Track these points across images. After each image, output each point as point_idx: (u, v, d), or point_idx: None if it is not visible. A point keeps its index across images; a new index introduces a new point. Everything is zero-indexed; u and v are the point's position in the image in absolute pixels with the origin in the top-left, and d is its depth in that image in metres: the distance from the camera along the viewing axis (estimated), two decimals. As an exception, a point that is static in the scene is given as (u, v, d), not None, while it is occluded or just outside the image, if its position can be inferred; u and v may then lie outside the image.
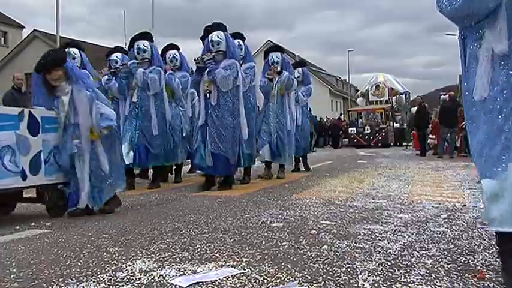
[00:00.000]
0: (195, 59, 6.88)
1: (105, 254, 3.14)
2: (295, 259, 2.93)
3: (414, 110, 27.20)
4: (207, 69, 6.67)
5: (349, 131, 28.44)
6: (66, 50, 7.09)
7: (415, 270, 2.66)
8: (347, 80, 59.71)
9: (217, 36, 6.77)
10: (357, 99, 37.17)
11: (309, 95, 10.09)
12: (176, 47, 8.90)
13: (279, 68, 8.56)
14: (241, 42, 7.69)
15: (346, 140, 29.14)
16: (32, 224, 4.43)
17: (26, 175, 4.46)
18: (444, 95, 16.95)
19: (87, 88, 4.88)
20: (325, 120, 32.61)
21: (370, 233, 3.68)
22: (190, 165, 9.61)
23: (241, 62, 7.44)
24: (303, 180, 8.14)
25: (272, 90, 8.52)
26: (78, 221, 4.48)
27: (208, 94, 6.76)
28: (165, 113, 7.43)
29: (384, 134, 27.19)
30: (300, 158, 10.32)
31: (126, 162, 6.66)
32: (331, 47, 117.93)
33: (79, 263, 2.93)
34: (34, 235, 3.90)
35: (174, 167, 8.87)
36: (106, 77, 7.91)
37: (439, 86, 64.50)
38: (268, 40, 54.84)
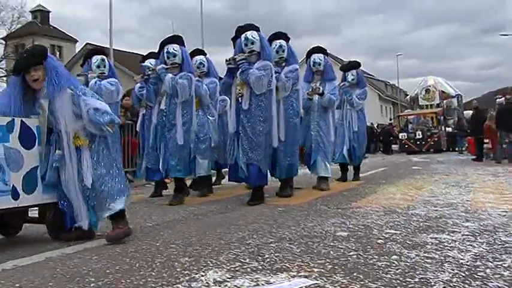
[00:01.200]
0: (226, 60, 6.46)
1: (176, 264, 3.21)
2: (366, 269, 2.92)
3: (467, 113, 26.68)
4: (240, 70, 6.23)
5: (400, 137, 27.94)
6: (94, 57, 7.17)
7: (492, 282, 2.62)
8: (396, 85, 58.89)
9: (252, 36, 6.32)
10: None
11: (365, 98, 9.51)
12: (203, 52, 8.33)
13: (321, 90, 7.84)
14: (283, 43, 7.13)
15: (397, 145, 28.68)
16: (99, 233, 4.54)
17: (18, 194, 3.91)
18: (500, 98, 16.46)
19: (69, 86, 4.10)
20: (376, 126, 32.22)
21: (438, 242, 3.64)
22: (215, 176, 9.31)
23: (283, 64, 7.02)
24: (360, 188, 8.07)
25: (313, 108, 7.94)
26: (144, 232, 4.57)
27: (240, 98, 6.36)
28: (192, 122, 6.84)
29: (436, 139, 26.61)
30: (352, 167, 9.75)
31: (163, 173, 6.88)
32: (380, 51, 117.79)
33: (153, 273, 3.00)
34: (105, 244, 4.00)
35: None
36: (139, 84, 7.59)
37: (491, 89, 62.64)
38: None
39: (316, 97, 7.87)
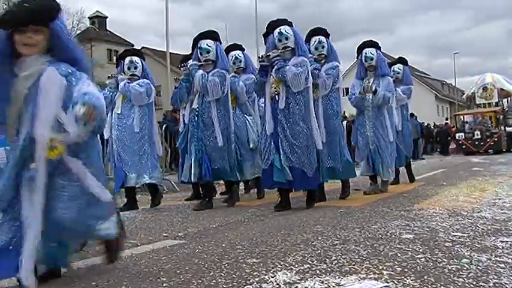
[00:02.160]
0: (258, 57, 6.16)
1: (244, 265, 3.25)
2: (436, 273, 2.89)
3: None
4: (275, 67, 5.83)
5: (457, 137, 27.21)
6: (128, 58, 6.90)
7: None
8: (453, 84, 57.62)
9: (285, 31, 5.95)
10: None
11: (409, 95, 9.02)
12: (240, 47, 7.82)
13: (373, 88, 7.32)
14: (322, 39, 6.82)
15: (453, 146, 27.99)
16: (165, 234, 4.65)
17: None
18: None
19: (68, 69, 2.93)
20: (432, 126, 31.58)
21: (509, 246, 3.55)
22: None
23: (323, 61, 6.74)
24: (420, 190, 7.94)
25: (367, 107, 7.52)
26: (208, 233, 4.65)
27: (276, 96, 5.93)
28: (230, 122, 6.64)
29: (495, 139, 25.78)
30: (404, 168, 9.42)
31: (193, 180, 6.50)
32: (436, 49, 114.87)
33: (222, 274, 3.05)
34: (171, 245, 4.09)
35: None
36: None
37: (554, 87, 60.06)
38: (371, 47, 54.18)
39: (369, 96, 7.41)
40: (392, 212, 5.49)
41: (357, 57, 7.87)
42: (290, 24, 6.08)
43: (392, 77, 8.22)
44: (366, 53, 7.56)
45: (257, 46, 22.13)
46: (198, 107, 6.41)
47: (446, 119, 34.91)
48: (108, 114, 6.70)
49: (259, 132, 6.70)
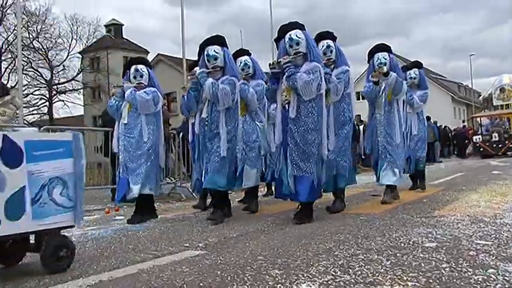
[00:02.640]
0: (269, 64, 5.86)
1: (267, 277, 3.24)
2: (462, 283, 2.86)
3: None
4: (285, 74, 5.57)
5: (474, 139, 26.91)
6: (133, 67, 6.60)
7: None
8: (470, 86, 57.17)
9: (296, 35, 5.68)
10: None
11: (425, 101, 8.59)
12: (247, 52, 7.47)
13: (385, 69, 6.97)
14: (330, 43, 6.55)
15: (470, 148, 27.69)
16: (186, 245, 4.64)
17: None
18: None
19: None
20: (450, 128, 31.31)
21: (535, 254, 3.50)
22: (266, 188, 9.00)
23: (332, 66, 6.47)
24: (440, 195, 7.88)
25: (378, 98, 7.17)
26: (229, 242, 4.64)
27: (287, 105, 5.70)
28: (237, 131, 6.32)
29: (514, 141, 25.50)
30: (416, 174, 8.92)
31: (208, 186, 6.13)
32: (452, 51, 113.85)
33: (246, 286, 3.04)
34: (193, 256, 4.08)
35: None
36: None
37: None
38: (385, 49, 53.93)
39: (382, 80, 6.99)
40: (413, 219, 5.45)
41: (368, 62, 7.45)
42: (302, 28, 5.81)
43: (407, 83, 8.05)
44: (378, 58, 7.19)
45: (272, 51, 22.13)
46: (207, 117, 6.14)
47: (464, 121, 34.54)
48: (115, 125, 6.73)
49: (271, 140, 6.47)
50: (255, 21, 78.02)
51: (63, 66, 42.37)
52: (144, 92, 6.47)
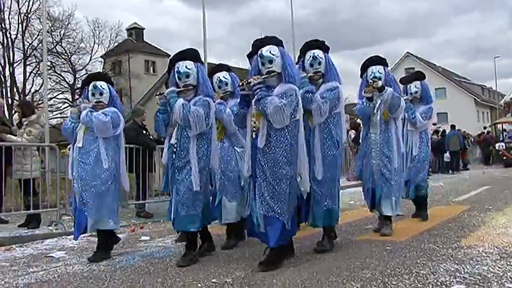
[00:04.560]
0: (238, 85, 5.26)
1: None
2: None
3: None
4: (255, 98, 4.86)
5: (497, 147, 26.47)
6: (92, 83, 5.87)
7: None
8: (493, 88, 56.55)
9: (270, 52, 4.97)
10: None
11: (430, 117, 7.67)
12: (225, 67, 6.54)
13: (380, 83, 6.21)
14: (319, 54, 5.73)
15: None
16: (214, 280, 4.67)
17: None
18: None
19: None
20: (473, 135, 30.95)
21: None
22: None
23: (320, 80, 5.72)
24: (465, 217, 7.80)
25: (372, 116, 6.45)
26: (257, 277, 4.62)
27: (254, 133, 5.01)
28: (210, 159, 5.54)
29: (540, 149, 25.06)
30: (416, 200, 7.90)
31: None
32: (475, 52, 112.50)
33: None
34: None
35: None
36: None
37: None
38: (407, 53, 53.73)
39: (376, 101, 6.32)
40: (439, 250, 5.40)
41: (361, 76, 6.69)
42: (278, 44, 5.11)
43: (409, 98, 7.54)
44: (372, 72, 6.44)
45: (294, 53, 21.96)
46: (176, 143, 5.42)
47: (485, 128, 34.03)
48: (70, 150, 6.08)
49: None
50: (276, 22, 77.65)
51: (86, 70, 42.77)
52: (102, 113, 5.78)
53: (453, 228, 6.78)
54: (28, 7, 37.68)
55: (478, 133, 32.05)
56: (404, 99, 7.30)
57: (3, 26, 37.65)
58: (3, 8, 37.43)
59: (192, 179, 5.28)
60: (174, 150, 5.41)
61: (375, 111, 6.40)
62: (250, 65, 5.40)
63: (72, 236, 6.32)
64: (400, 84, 7.76)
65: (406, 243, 5.83)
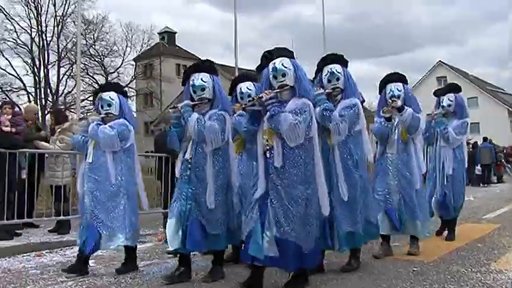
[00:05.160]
0: (248, 101, 5.04)
1: None
2: None
3: None
4: (267, 114, 4.59)
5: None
6: (100, 94, 5.77)
7: None
8: (528, 98, 55.53)
9: (282, 65, 4.70)
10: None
11: (465, 132, 7.30)
12: (252, 77, 6.14)
13: (399, 103, 6.03)
14: (337, 68, 5.50)
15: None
16: None
17: None
18: None
19: None
20: (506, 146, 30.39)
21: None
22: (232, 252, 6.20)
23: (338, 96, 5.50)
24: (495, 237, 7.68)
25: (391, 135, 6.22)
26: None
27: (268, 152, 4.69)
28: (230, 175, 5.32)
29: None
30: (444, 222, 7.69)
31: (172, 247, 5.11)
32: (508, 61, 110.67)
33: None
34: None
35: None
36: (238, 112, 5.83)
37: None
38: (439, 61, 53.06)
39: (394, 125, 6.17)
40: (468, 273, 5.33)
41: (379, 93, 6.46)
42: (290, 56, 4.84)
43: (443, 111, 7.30)
44: (391, 89, 6.23)
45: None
46: (190, 158, 5.21)
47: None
48: (82, 164, 5.92)
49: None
50: (307, 27, 77.86)
51: (118, 73, 43.46)
52: (109, 125, 5.62)
53: (482, 250, 6.68)
54: (64, 10, 38.49)
55: (510, 145, 31.57)
56: (436, 113, 7.29)
57: (40, 28, 38.49)
58: (41, 11, 38.31)
59: (208, 197, 5.07)
60: (189, 166, 5.20)
61: (393, 130, 6.21)
62: (259, 80, 5.11)
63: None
64: (433, 95, 7.73)
65: (434, 265, 5.76)
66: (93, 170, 5.59)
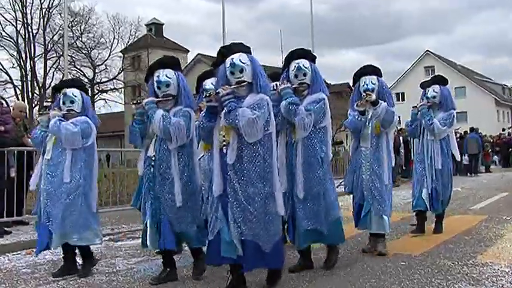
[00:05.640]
0: (204, 96, 4.82)
1: None
2: None
3: None
4: (224, 110, 4.48)
5: (514, 149, 26.24)
6: (63, 91, 5.57)
7: None
8: (514, 87, 56.01)
9: (239, 60, 4.59)
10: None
11: (450, 124, 7.24)
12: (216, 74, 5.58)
13: (373, 97, 5.95)
14: (304, 63, 5.37)
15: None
16: None
17: None
18: None
19: None
20: (493, 137, 30.61)
21: None
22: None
23: (305, 92, 5.37)
24: (482, 229, 7.78)
25: (364, 129, 6.14)
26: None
27: (225, 148, 4.55)
28: (195, 173, 5.22)
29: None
30: (434, 215, 7.60)
31: (154, 249, 5.24)
32: (495, 49, 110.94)
33: None
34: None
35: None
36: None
37: None
38: (427, 51, 53.28)
39: (369, 109, 6.05)
40: (455, 266, 5.42)
41: (353, 85, 6.42)
42: (247, 51, 4.73)
43: (427, 103, 7.26)
44: (365, 82, 6.13)
45: (313, 48, 21.77)
46: (154, 155, 5.11)
47: (503, 130, 33.56)
48: (39, 160, 5.76)
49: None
50: (294, 17, 77.65)
51: (105, 65, 43.23)
52: (72, 122, 5.43)
53: (469, 242, 6.77)
54: (50, 2, 38.14)
55: (497, 134, 31.80)
56: (421, 105, 7.27)
57: (26, 20, 38.14)
58: (26, 3, 37.93)
59: (176, 194, 4.99)
60: (152, 163, 5.10)
61: (367, 123, 6.12)
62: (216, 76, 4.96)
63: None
64: (420, 88, 7.70)
65: (421, 259, 5.84)
66: (51, 167, 5.44)
